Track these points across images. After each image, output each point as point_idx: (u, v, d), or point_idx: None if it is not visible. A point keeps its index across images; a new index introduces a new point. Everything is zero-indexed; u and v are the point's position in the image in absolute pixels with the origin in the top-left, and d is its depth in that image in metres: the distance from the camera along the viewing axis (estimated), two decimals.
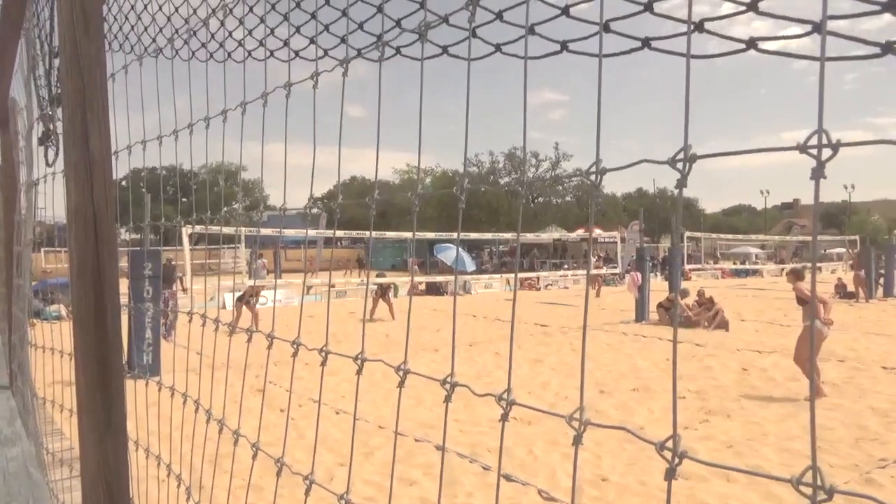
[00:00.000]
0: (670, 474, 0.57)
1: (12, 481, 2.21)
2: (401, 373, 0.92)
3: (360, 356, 1.01)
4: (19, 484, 2.17)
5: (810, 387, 0.64)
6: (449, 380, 0.84)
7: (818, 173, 0.51)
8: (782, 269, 34.91)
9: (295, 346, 1.15)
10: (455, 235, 19.32)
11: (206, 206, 2.08)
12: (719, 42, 0.81)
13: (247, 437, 1.36)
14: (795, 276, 8.73)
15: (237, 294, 14.25)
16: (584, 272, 27.01)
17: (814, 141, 0.52)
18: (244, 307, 13.30)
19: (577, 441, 0.68)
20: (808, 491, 0.49)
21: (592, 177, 0.69)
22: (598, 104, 0.69)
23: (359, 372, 1.02)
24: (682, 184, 0.60)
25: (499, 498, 0.85)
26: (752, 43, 0.74)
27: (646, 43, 0.88)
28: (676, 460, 0.57)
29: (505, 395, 0.77)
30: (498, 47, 1.09)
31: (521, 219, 0.93)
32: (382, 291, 16.70)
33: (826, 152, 0.51)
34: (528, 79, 0.90)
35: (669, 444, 0.58)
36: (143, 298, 8.65)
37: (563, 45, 1.00)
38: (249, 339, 1.46)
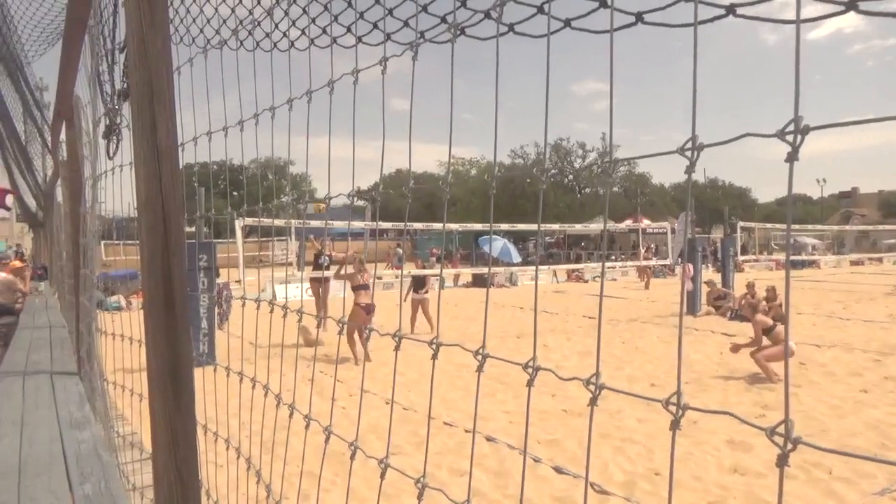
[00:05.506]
0: (783, 460, 0.55)
1: (84, 463, 2.29)
2: (479, 357, 0.91)
3: (434, 340, 1.00)
4: (91, 465, 2.25)
5: None
6: (532, 364, 0.83)
7: None
8: (840, 261, 33.72)
9: (368, 331, 1.16)
10: (501, 227, 19.24)
11: (258, 199, 2.11)
12: (812, 10, 0.77)
13: (318, 422, 1.37)
14: (752, 309, 9.06)
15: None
16: (633, 264, 26.55)
17: None
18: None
19: (675, 425, 0.65)
20: None
21: (688, 153, 0.67)
22: (694, 77, 0.67)
23: (434, 356, 1.01)
24: (793, 157, 0.57)
25: (587, 489, 0.83)
26: (852, 5, 0.70)
27: (730, 10, 0.84)
28: (789, 445, 0.55)
29: (593, 380, 0.75)
30: (567, 22, 1.06)
31: (608, 196, 0.91)
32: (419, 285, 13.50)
33: None
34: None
35: (780, 429, 0.55)
36: (197, 289, 8.87)
37: (639, 17, 0.97)
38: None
